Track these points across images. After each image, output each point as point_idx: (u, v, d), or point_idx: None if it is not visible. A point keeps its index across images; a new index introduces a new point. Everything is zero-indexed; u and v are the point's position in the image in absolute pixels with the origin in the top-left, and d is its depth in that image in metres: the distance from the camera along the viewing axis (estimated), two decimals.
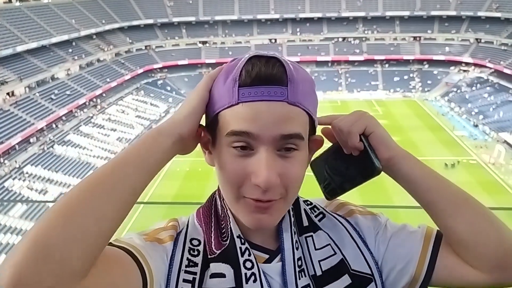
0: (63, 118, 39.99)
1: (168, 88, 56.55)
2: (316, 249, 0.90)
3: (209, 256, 0.86)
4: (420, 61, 60.11)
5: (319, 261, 0.89)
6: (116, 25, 58.61)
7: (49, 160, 33.09)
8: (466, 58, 56.84)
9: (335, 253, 0.91)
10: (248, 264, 0.84)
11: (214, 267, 0.84)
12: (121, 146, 38.61)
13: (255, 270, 0.83)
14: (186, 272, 0.85)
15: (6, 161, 30.68)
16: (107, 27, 56.56)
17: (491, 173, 30.98)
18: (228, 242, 0.86)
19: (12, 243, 23.30)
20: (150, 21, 62.76)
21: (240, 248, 0.85)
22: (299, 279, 0.85)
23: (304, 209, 0.96)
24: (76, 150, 35.81)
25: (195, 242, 0.90)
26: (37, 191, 28.89)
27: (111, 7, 60.04)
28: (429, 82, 56.60)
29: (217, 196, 0.96)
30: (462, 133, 39.54)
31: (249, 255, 0.85)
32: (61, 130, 38.37)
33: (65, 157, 34.30)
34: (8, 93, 37.43)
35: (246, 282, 0.82)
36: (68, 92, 42.94)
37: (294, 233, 0.89)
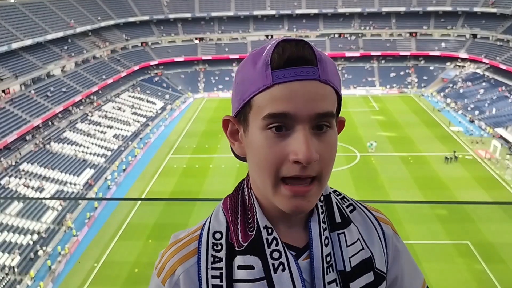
0: (59, 115, 39.87)
1: (164, 84, 56.45)
2: (348, 246, 0.92)
3: (236, 249, 0.88)
4: (416, 57, 60.19)
5: (349, 258, 0.91)
6: (111, 22, 58.36)
7: (45, 157, 33.00)
8: (462, 54, 56.95)
9: (363, 249, 0.94)
10: (276, 255, 0.86)
11: (242, 259, 0.87)
12: (118, 143, 38.55)
13: (283, 259, 0.86)
14: (213, 269, 0.88)
15: (1, 159, 30.58)
16: (103, 23, 56.31)
17: (487, 168, 31.11)
18: (254, 232, 0.88)
19: (9, 240, 23.27)
20: (146, 18, 62.54)
21: (267, 239, 0.87)
22: (327, 274, 0.88)
23: (336, 203, 0.97)
24: (72, 148, 35.72)
25: (217, 236, 0.92)
26: (34, 188, 28.82)
27: (107, 4, 59.78)
28: (425, 77, 56.72)
29: (245, 186, 0.96)
30: (458, 129, 39.66)
31: (277, 245, 0.87)
32: (57, 127, 38.26)
33: (61, 154, 34.22)
34: (3, 91, 37.26)
35: (275, 272, 0.85)
36: (64, 89, 42.79)
37: (325, 229, 0.91)
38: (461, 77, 54.32)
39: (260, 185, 0.87)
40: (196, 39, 64.01)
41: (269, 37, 64.07)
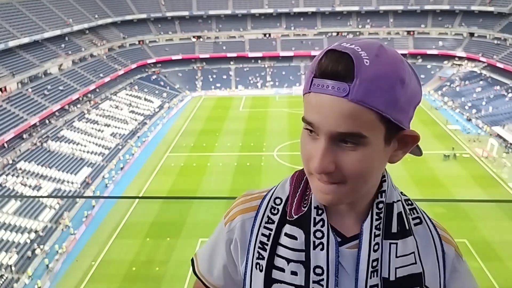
0: (56, 113, 39.77)
1: (162, 83, 56.37)
2: (397, 257, 0.93)
3: (287, 218, 0.97)
4: (414, 55, 60.24)
5: (396, 268, 0.93)
6: (109, 20, 58.21)
7: (43, 156, 32.93)
8: (459, 52, 57.06)
9: (416, 263, 0.95)
10: (319, 234, 0.92)
11: (290, 229, 0.95)
12: (115, 142, 38.50)
13: (324, 240, 0.92)
14: (264, 227, 0.98)
15: None
16: (100, 21, 56.17)
17: (484, 167, 31.21)
18: (306, 209, 0.95)
19: (6, 239, 23.23)
20: (144, 16, 62.41)
21: (315, 218, 0.93)
22: (370, 278, 0.91)
23: (400, 213, 0.97)
24: (69, 146, 35.66)
25: (277, 201, 1.01)
26: (31, 187, 28.77)
27: (104, 2, 59.61)
28: (422, 76, 56.72)
29: None
30: (455, 127, 39.76)
31: (322, 226, 0.93)
32: (54, 125, 38.18)
33: (58, 152, 34.15)
34: (0, 89, 37.15)
35: (314, 249, 0.92)
36: (61, 88, 42.68)
37: (377, 236, 0.92)
38: (459, 75, 54.43)
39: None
40: (193, 37, 63.92)
41: (267, 35, 64.06)
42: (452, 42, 59.10)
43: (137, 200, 32.29)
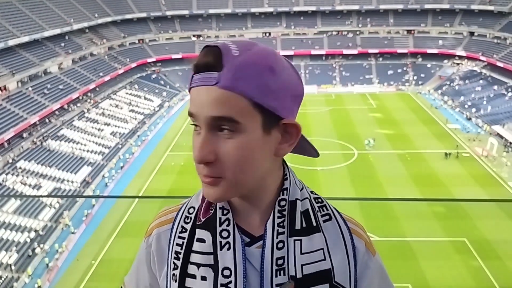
0: (56, 112, 39.77)
1: (162, 82, 56.36)
2: (302, 253, 0.93)
3: (196, 223, 0.98)
4: (414, 55, 60.26)
5: (302, 265, 0.93)
6: (109, 19, 58.19)
7: (43, 155, 32.94)
8: (459, 51, 57.06)
9: (325, 259, 0.95)
10: (225, 234, 0.93)
11: (199, 233, 0.96)
12: (115, 141, 38.50)
13: (230, 239, 0.92)
14: (178, 237, 0.98)
15: None
16: (100, 20, 56.15)
17: (484, 166, 31.22)
18: (212, 212, 0.96)
19: (6, 238, 23.24)
20: (143, 15, 62.39)
21: (220, 218, 0.94)
22: (276, 276, 0.91)
23: (306, 210, 0.97)
24: (69, 145, 35.66)
25: (191, 210, 1.01)
26: (31, 186, 28.77)
27: (104, 1, 59.60)
28: (422, 75, 56.80)
29: None
30: (455, 126, 39.78)
31: (228, 225, 0.93)
32: (54, 124, 38.17)
33: (58, 151, 34.15)
34: (0, 88, 37.14)
35: (221, 249, 0.92)
36: (61, 87, 42.67)
37: (281, 233, 0.93)
38: (458, 74, 54.42)
39: None
40: (193, 36, 63.91)
41: (267, 34, 64.04)
42: (452, 41, 59.08)
43: (137, 199, 32.31)
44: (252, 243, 0.94)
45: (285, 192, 0.95)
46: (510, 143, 34.16)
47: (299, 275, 0.92)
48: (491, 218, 22.45)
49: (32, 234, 23.91)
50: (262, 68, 0.84)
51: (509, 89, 44.98)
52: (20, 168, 30.30)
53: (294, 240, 0.93)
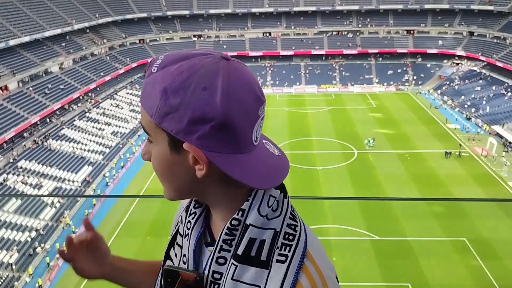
0: (57, 112, 39.84)
1: None
2: (232, 279, 0.90)
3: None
4: (414, 55, 60.31)
5: None
6: (109, 19, 58.24)
7: (44, 154, 33.00)
8: (459, 51, 57.11)
9: None
10: (188, 225, 1.03)
11: (184, 216, 1.07)
12: (116, 140, 38.57)
13: (190, 231, 1.02)
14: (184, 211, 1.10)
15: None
16: (101, 20, 56.20)
17: (483, 166, 31.28)
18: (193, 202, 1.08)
19: (7, 237, 23.31)
20: (144, 15, 62.43)
21: (190, 209, 1.05)
22: (210, 287, 0.94)
23: (262, 240, 0.90)
24: (70, 145, 35.73)
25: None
26: (32, 185, 28.84)
27: (105, 1, 59.66)
28: (422, 75, 56.85)
29: None
30: (454, 126, 39.84)
31: (193, 218, 1.03)
32: (55, 124, 38.24)
33: (59, 151, 34.23)
34: (1, 88, 37.21)
35: (184, 237, 1.03)
36: (62, 86, 42.74)
37: (224, 250, 0.92)
38: (458, 74, 54.48)
39: None
40: (194, 36, 63.96)
41: (267, 34, 64.09)
42: (452, 41, 59.13)
43: (137, 199, 32.37)
44: (211, 244, 0.98)
45: (239, 212, 0.91)
46: (510, 142, 34.23)
47: None
48: (490, 217, 22.54)
49: (33, 234, 23.99)
50: (157, 89, 0.84)
51: (509, 89, 45.04)
52: (21, 167, 30.37)
53: (232, 263, 0.90)
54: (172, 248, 1.07)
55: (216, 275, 0.92)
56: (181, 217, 1.08)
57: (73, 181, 30.72)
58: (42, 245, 23.20)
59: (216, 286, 0.92)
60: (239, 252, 0.90)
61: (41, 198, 28.00)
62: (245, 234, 0.90)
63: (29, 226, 24.52)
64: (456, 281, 18.75)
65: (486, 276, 18.58)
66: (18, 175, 29.45)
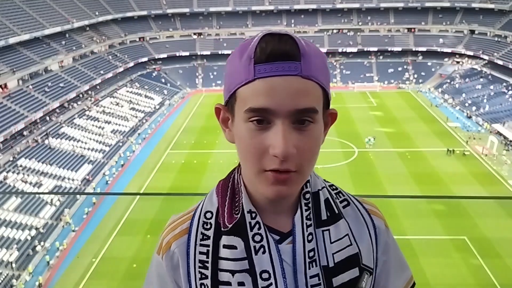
0: (57, 110, 39.80)
1: (163, 80, 56.35)
2: (332, 242, 0.94)
3: (222, 229, 0.94)
4: (414, 53, 60.21)
5: (333, 254, 0.94)
6: (109, 17, 58.14)
7: (43, 153, 32.96)
8: (460, 50, 57.00)
9: (351, 244, 0.97)
10: (257, 238, 0.91)
11: (227, 239, 0.93)
12: (116, 139, 38.53)
13: (264, 243, 0.91)
14: (201, 245, 0.95)
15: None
16: (101, 18, 56.10)
17: (484, 164, 31.23)
18: (239, 216, 0.93)
19: (7, 236, 23.28)
20: (144, 13, 62.32)
21: (250, 222, 0.92)
22: (309, 268, 0.91)
23: (327, 199, 0.98)
24: (70, 143, 35.68)
25: (208, 215, 0.98)
26: (32, 183, 28.81)
27: None
28: (423, 73, 56.76)
29: (236, 171, 1.01)
30: (455, 124, 39.77)
31: (259, 229, 0.92)
32: (55, 122, 38.20)
33: (59, 149, 34.18)
34: (0, 86, 37.15)
35: (256, 254, 0.90)
36: (61, 85, 42.69)
37: (309, 226, 0.93)
38: (459, 73, 54.39)
39: (245, 172, 0.93)
40: (194, 34, 63.87)
41: None
42: (453, 39, 59.02)
43: (137, 197, 32.32)
44: (282, 240, 0.93)
45: (307, 184, 0.95)
46: (510, 141, 34.16)
47: (331, 264, 0.93)
48: (491, 216, 22.48)
49: (33, 232, 23.96)
50: (324, 59, 0.87)
51: (510, 87, 44.95)
52: (21, 166, 30.33)
53: (323, 231, 0.94)
54: (224, 285, 0.92)
55: (311, 254, 0.92)
56: (208, 250, 0.94)
57: (73, 180, 30.67)
58: (42, 243, 23.17)
59: (313, 263, 0.92)
60: (323, 217, 0.95)
61: (41, 196, 27.93)
62: (319, 200, 0.96)
63: (29, 224, 24.49)
64: (456, 279, 18.71)
65: (486, 274, 18.54)
66: (18, 173, 29.40)
